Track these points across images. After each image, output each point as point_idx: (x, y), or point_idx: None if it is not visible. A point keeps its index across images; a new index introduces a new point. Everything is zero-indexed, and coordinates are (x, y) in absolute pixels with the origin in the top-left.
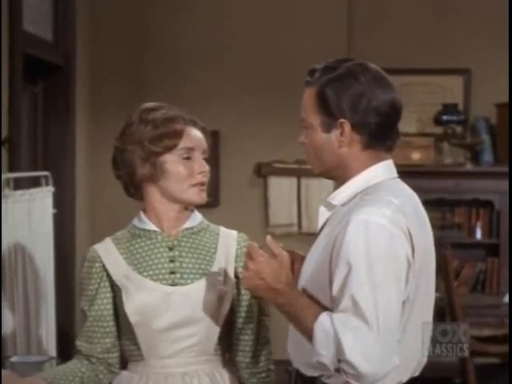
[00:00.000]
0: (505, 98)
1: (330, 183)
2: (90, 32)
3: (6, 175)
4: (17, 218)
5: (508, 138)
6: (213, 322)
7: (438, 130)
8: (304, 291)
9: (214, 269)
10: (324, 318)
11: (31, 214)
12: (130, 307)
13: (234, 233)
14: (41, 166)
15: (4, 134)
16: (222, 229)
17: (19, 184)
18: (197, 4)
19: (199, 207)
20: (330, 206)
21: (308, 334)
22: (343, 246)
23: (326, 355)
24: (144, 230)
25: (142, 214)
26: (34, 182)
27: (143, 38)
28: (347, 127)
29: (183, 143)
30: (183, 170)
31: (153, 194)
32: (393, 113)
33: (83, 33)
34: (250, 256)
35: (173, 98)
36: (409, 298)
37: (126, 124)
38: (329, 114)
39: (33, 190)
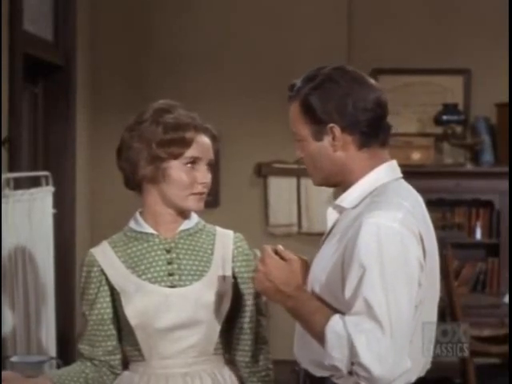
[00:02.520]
0: (505, 98)
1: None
2: (90, 32)
3: (6, 175)
4: (17, 217)
5: (508, 138)
6: (213, 322)
7: (438, 130)
8: (314, 294)
9: (212, 269)
10: (336, 320)
11: (31, 214)
12: (130, 310)
13: (231, 233)
14: (41, 165)
15: (4, 133)
16: (218, 229)
17: (19, 184)
18: (197, 4)
19: None
20: (338, 208)
21: (319, 337)
22: (356, 250)
23: (339, 358)
24: (141, 232)
25: (138, 216)
26: (34, 182)
27: (143, 38)
28: (337, 131)
29: (190, 152)
30: (185, 177)
31: (152, 195)
32: (379, 107)
33: (83, 33)
34: (260, 258)
35: (173, 98)
36: (421, 300)
37: (137, 120)
38: (317, 121)
39: (33, 190)
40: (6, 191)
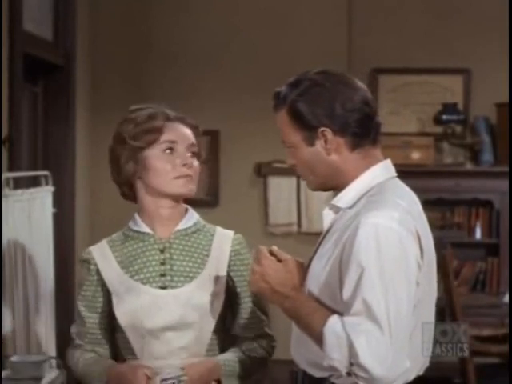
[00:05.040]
0: (505, 98)
1: None
2: (90, 32)
3: (5, 175)
4: (17, 217)
5: (508, 138)
6: (204, 323)
7: (438, 129)
8: (312, 295)
9: (206, 271)
10: (334, 321)
11: (31, 214)
12: (120, 312)
13: (231, 233)
14: (41, 165)
15: (4, 133)
16: (218, 229)
17: (19, 183)
18: (197, 4)
19: (199, 207)
20: (335, 209)
21: (317, 338)
22: (354, 250)
23: (338, 359)
24: (138, 232)
25: (136, 216)
26: (34, 182)
27: (143, 37)
28: (329, 134)
29: (164, 137)
30: (165, 163)
31: (141, 191)
32: (367, 106)
33: (83, 32)
34: (256, 259)
35: (173, 97)
36: (419, 299)
37: (116, 126)
38: (307, 127)
39: (33, 190)
40: (5, 191)
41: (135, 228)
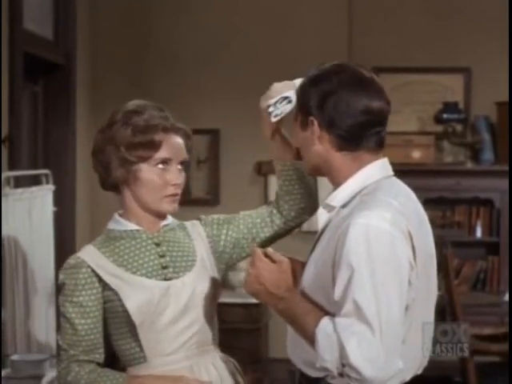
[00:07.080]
0: (505, 97)
1: (329, 182)
2: (91, 31)
3: (6, 173)
4: (17, 216)
5: (508, 137)
6: (208, 309)
7: (439, 128)
8: (306, 296)
9: (199, 258)
10: (326, 322)
11: (31, 213)
12: (132, 308)
13: (197, 221)
14: (41, 164)
15: (4, 132)
16: (187, 222)
17: (19, 182)
18: (197, 3)
19: (199, 206)
20: (329, 208)
21: (310, 339)
22: (344, 251)
23: (330, 360)
24: (125, 231)
25: (117, 218)
26: (35, 180)
27: (143, 36)
28: (315, 125)
29: (160, 154)
30: (157, 180)
31: (127, 196)
32: (365, 115)
33: (84, 32)
34: (251, 261)
35: (173, 97)
36: (413, 300)
37: (109, 122)
38: (303, 112)
39: (33, 189)
40: (6, 190)
41: (121, 228)
